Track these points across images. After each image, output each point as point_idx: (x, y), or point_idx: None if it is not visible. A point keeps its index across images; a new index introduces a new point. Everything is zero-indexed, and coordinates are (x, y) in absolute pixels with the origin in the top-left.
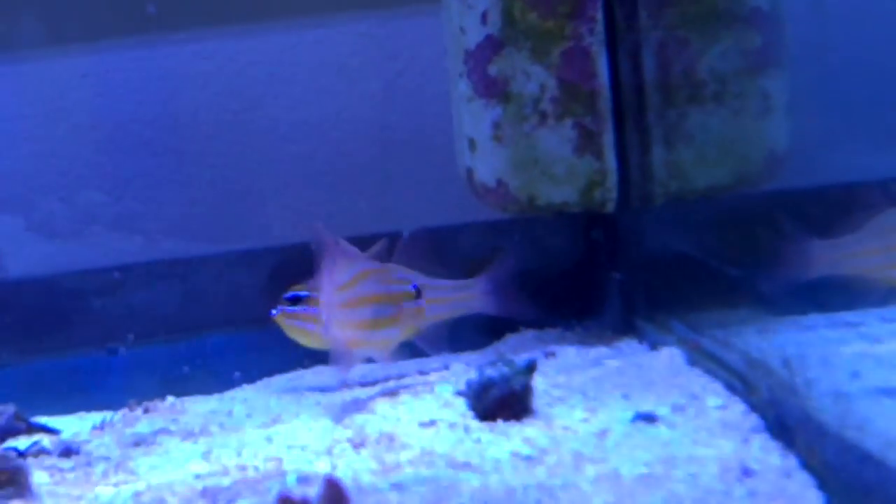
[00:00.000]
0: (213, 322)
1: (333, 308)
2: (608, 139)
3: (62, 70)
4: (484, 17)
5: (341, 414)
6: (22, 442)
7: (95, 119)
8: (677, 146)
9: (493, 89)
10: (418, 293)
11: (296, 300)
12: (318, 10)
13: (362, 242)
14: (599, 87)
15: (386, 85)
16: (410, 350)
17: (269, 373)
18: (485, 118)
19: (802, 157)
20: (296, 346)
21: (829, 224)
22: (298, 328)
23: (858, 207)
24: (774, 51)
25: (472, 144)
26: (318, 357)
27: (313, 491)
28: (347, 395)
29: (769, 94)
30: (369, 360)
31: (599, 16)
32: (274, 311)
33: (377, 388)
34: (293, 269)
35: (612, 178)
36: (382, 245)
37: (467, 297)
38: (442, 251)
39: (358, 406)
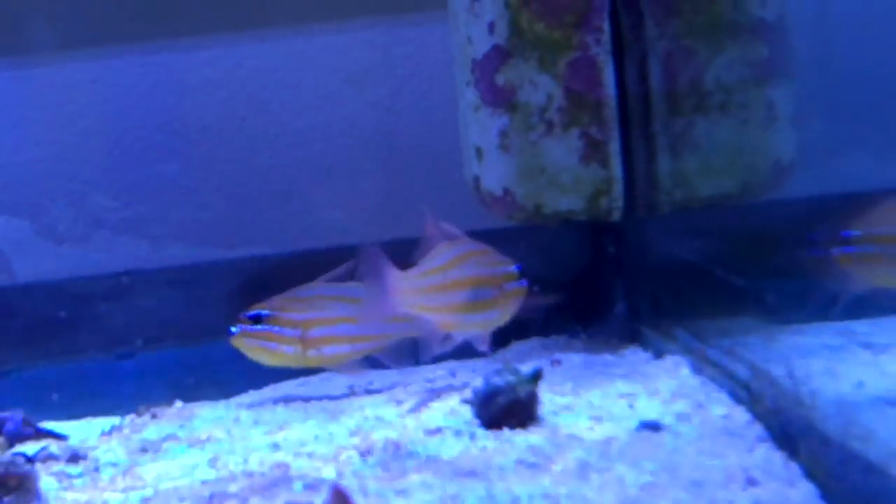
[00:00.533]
0: (221, 327)
1: (418, 292)
2: (614, 148)
3: (71, 75)
4: (491, 27)
5: (348, 421)
6: (30, 447)
7: (104, 124)
8: (683, 155)
9: (500, 98)
10: (521, 274)
11: (257, 319)
12: (325, 16)
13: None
14: (606, 97)
15: (392, 91)
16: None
17: (277, 379)
18: (492, 127)
19: (809, 166)
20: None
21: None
22: (261, 348)
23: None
24: (780, 61)
25: (478, 153)
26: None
27: (320, 499)
28: (355, 402)
29: (774, 104)
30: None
31: (606, 26)
32: (233, 330)
33: (384, 396)
34: (299, 274)
35: (618, 187)
36: (346, 269)
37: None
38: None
39: (365, 413)
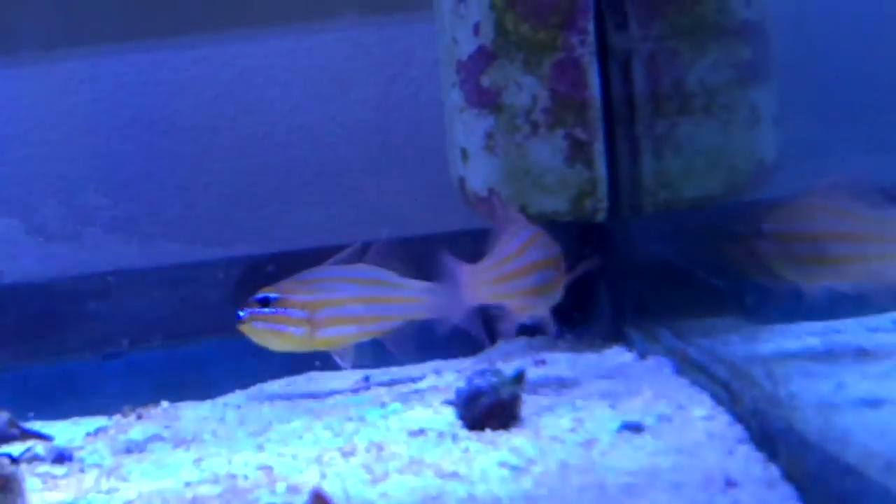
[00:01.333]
0: (208, 327)
1: (495, 283)
2: (599, 149)
3: (60, 74)
4: (476, 29)
5: (332, 421)
6: (15, 448)
7: (93, 123)
8: (666, 156)
9: (486, 100)
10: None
11: (265, 302)
12: (313, 16)
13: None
14: (590, 98)
15: (380, 91)
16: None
17: (263, 379)
18: (477, 128)
19: (792, 166)
20: (291, 352)
21: None
22: (270, 331)
23: None
24: (763, 63)
25: (464, 154)
26: (311, 364)
27: (302, 500)
28: (339, 402)
29: (757, 105)
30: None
31: (591, 27)
32: (241, 314)
33: (368, 395)
34: (288, 274)
35: (603, 188)
36: (353, 252)
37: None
38: (415, 260)
39: (348, 414)
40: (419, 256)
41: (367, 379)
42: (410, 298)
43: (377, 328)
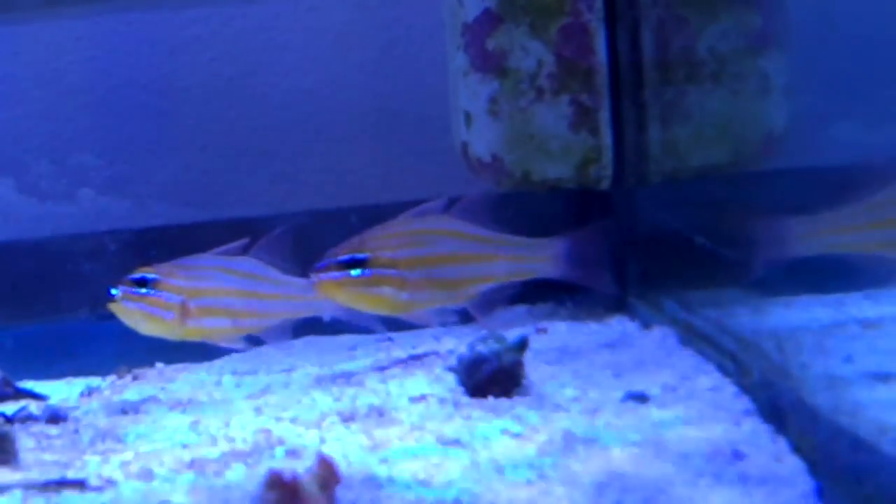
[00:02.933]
0: None
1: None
2: (604, 116)
3: (56, 32)
4: None
5: (331, 386)
6: (9, 407)
7: (89, 82)
8: (674, 125)
9: (491, 64)
10: None
11: (142, 283)
12: None
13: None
14: (597, 64)
15: (381, 53)
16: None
17: (260, 342)
18: (481, 92)
19: (801, 136)
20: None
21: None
22: (141, 312)
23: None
24: (774, 31)
25: (467, 118)
26: (307, 328)
27: (302, 465)
28: (338, 367)
29: (768, 74)
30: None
31: None
32: (115, 292)
33: (368, 362)
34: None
35: (608, 156)
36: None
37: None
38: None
39: (348, 379)
40: None
41: (390, 339)
42: (290, 296)
43: (252, 324)
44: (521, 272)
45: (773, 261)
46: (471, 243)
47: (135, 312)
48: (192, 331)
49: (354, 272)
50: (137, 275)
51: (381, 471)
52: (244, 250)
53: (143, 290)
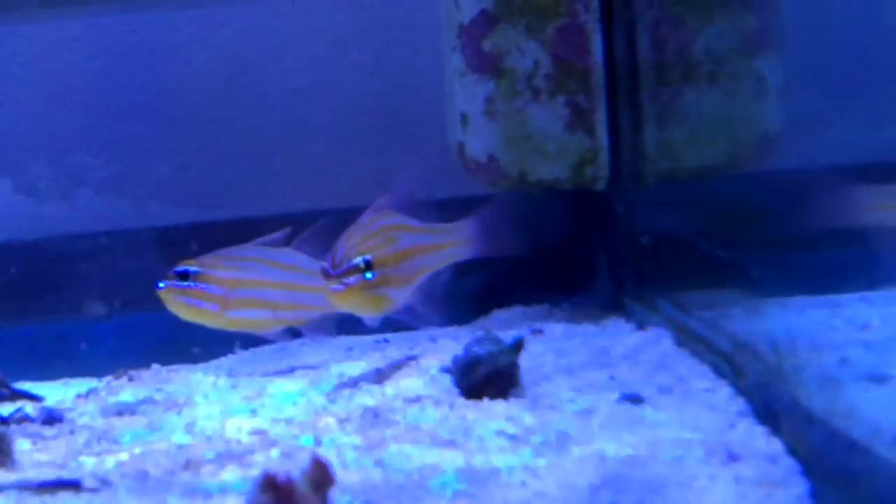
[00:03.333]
0: None
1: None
2: (601, 117)
3: (53, 32)
4: None
5: (327, 387)
6: (5, 408)
7: (86, 82)
8: (670, 126)
9: (487, 64)
10: None
11: (185, 275)
12: None
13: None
14: (593, 65)
15: (378, 55)
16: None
17: (257, 343)
18: (477, 93)
19: (796, 138)
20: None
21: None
22: (186, 304)
23: None
24: (770, 32)
25: (463, 119)
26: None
27: (297, 467)
28: (334, 368)
29: (763, 75)
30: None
31: None
32: (161, 285)
33: (364, 363)
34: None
35: (604, 156)
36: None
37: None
38: None
39: (344, 380)
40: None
41: (386, 340)
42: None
43: (293, 316)
44: (444, 258)
45: (838, 227)
46: (414, 235)
47: (180, 304)
48: (232, 321)
49: (368, 275)
50: (181, 268)
51: (376, 473)
52: (286, 241)
53: (186, 283)
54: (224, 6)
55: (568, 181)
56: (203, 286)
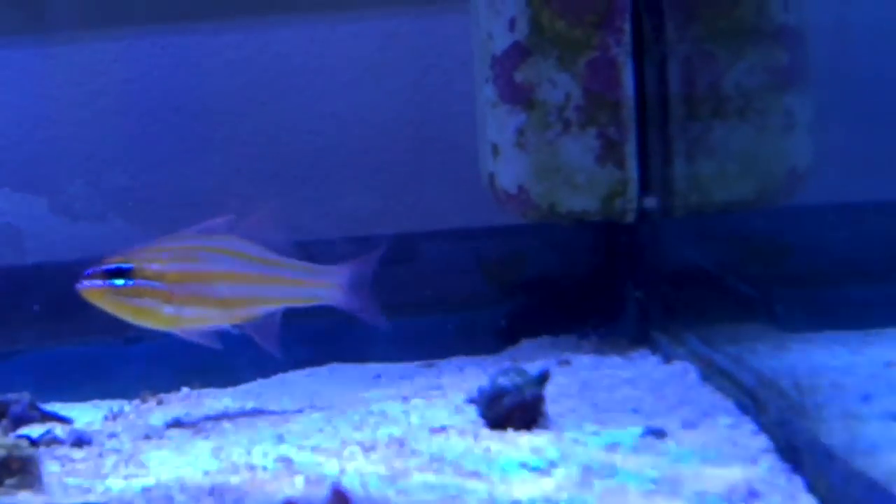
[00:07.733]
0: None
1: None
2: (631, 149)
3: (92, 54)
4: (511, 24)
5: (353, 415)
6: (35, 430)
7: (124, 104)
8: (699, 160)
9: (519, 96)
10: None
11: (119, 273)
12: (349, 5)
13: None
14: (624, 98)
15: (413, 82)
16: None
17: (285, 369)
18: (509, 124)
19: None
20: (311, 343)
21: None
22: (128, 306)
23: None
24: (800, 68)
25: (494, 150)
26: (335, 356)
27: (321, 494)
28: (361, 396)
29: (793, 111)
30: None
31: (627, 27)
32: (83, 284)
33: (390, 392)
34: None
35: (633, 189)
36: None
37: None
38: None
39: (370, 409)
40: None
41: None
42: (293, 280)
43: (248, 312)
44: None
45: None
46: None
47: (125, 307)
48: (173, 319)
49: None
50: (111, 265)
51: (399, 501)
52: (229, 228)
53: (122, 282)
54: (262, 31)
55: (597, 213)
56: (147, 283)
